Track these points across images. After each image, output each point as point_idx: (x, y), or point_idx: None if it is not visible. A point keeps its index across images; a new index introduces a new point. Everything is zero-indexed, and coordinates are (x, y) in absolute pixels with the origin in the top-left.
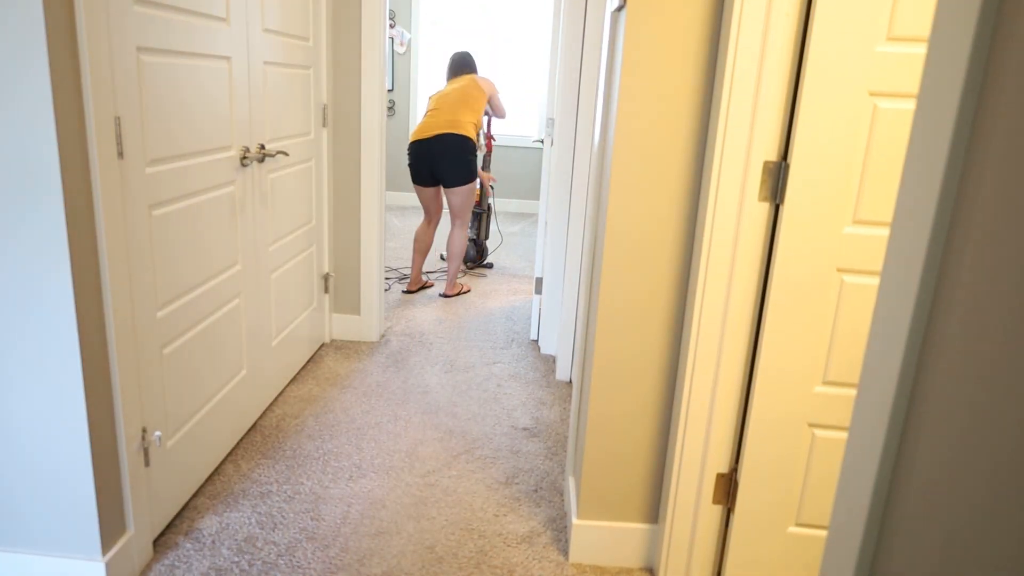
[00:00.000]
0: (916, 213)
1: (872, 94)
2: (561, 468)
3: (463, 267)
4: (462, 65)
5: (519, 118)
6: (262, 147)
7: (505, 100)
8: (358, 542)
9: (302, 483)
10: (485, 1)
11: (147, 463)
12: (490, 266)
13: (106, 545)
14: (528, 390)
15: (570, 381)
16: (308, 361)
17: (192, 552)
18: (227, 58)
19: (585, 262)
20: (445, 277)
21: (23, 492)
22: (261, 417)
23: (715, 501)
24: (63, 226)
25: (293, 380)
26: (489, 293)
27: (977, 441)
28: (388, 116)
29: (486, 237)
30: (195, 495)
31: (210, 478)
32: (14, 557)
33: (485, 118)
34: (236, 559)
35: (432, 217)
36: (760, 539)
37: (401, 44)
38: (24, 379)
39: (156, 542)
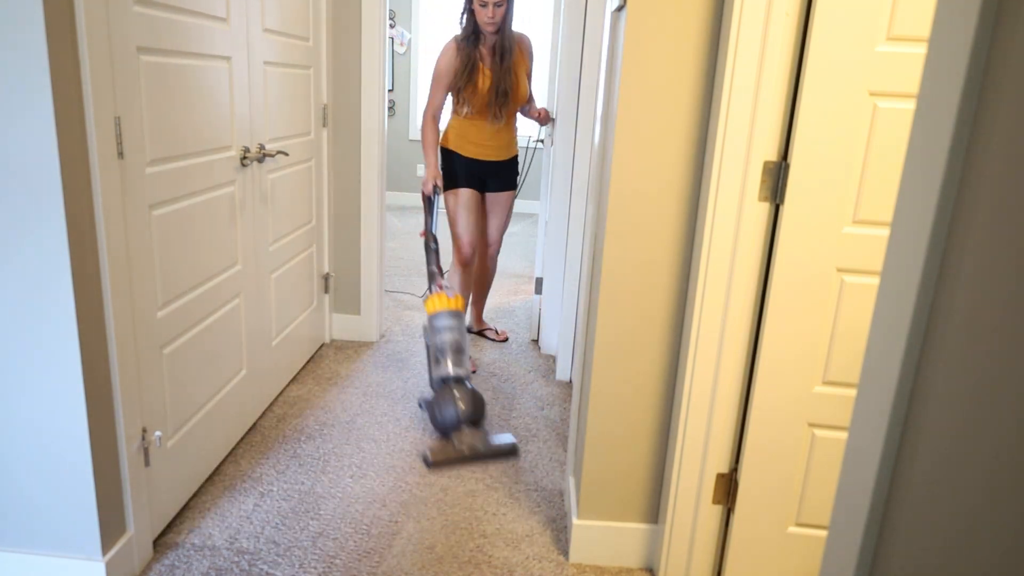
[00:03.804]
0: (916, 213)
1: (872, 94)
2: (561, 468)
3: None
4: None
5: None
6: (262, 147)
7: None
8: (358, 542)
9: (302, 483)
10: None
11: (147, 463)
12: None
13: (106, 545)
14: (528, 390)
15: (570, 381)
16: (308, 361)
17: (192, 552)
18: (227, 58)
19: (585, 262)
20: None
21: (23, 492)
22: (261, 417)
23: (715, 501)
24: (63, 226)
25: (293, 380)
26: (489, 293)
27: (977, 441)
28: (388, 116)
29: None
30: (195, 495)
31: (210, 478)
32: (14, 557)
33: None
34: (236, 559)
35: None
36: (760, 539)
37: (401, 44)
38: (24, 379)
39: (156, 542)
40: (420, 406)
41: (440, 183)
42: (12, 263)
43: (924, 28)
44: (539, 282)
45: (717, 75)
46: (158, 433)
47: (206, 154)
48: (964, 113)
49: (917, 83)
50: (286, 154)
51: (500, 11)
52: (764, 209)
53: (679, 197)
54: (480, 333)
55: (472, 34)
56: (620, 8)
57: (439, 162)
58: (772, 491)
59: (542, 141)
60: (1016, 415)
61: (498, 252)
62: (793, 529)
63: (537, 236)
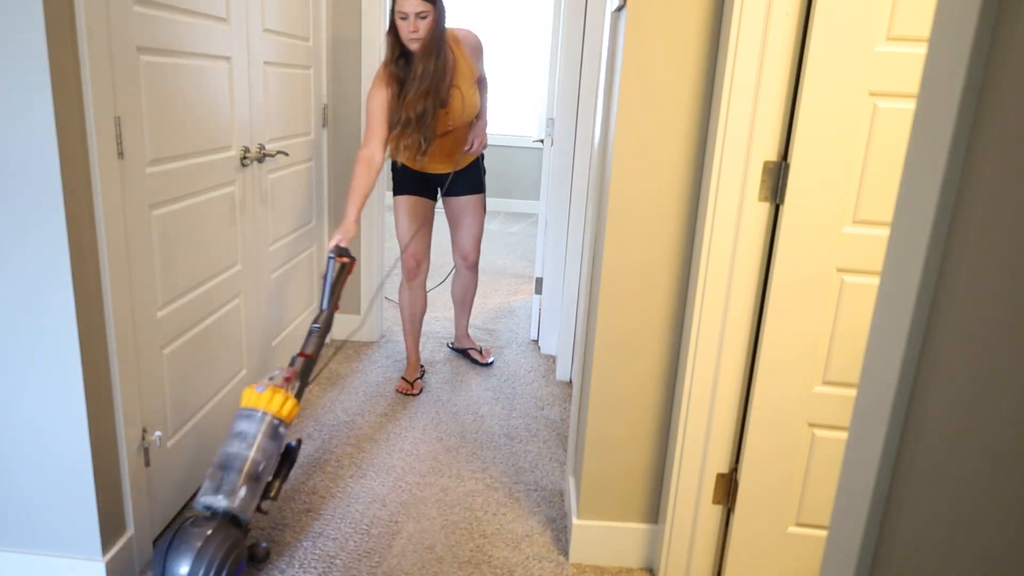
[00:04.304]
0: (916, 213)
1: (872, 94)
2: (561, 468)
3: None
4: None
5: (519, 118)
6: (262, 147)
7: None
8: (358, 542)
9: (302, 483)
10: (485, 1)
11: (147, 463)
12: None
13: (106, 545)
14: (528, 390)
15: (570, 381)
16: None
17: None
18: (227, 58)
19: (585, 262)
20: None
21: (23, 492)
22: None
23: (715, 501)
24: (63, 226)
25: None
26: (489, 293)
27: (977, 441)
28: None
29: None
30: (195, 495)
31: None
32: (14, 557)
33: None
34: None
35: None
36: (760, 539)
37: None
38: (24, 379)
39: (156, 542)
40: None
41: (344, 243)
42: (12, 263)
43: (924, 28)
44: (539, 282)
45: (717, 75)
46: (158, 433)
47: (206, 154)
48: (964, 113)
49: (917, 83)
50: (286, 154)
51: (425, 23)
52: (764, 209)
53: (679, 197)
54: (464, 352)
55: (400, 56)
56: (620, 8)
57: (359, 212)
58: (772, 491)
59: (542, 141)
60: (1016, 415)
61: (477, 262)
62: (793, 529)
63: (537, 236)
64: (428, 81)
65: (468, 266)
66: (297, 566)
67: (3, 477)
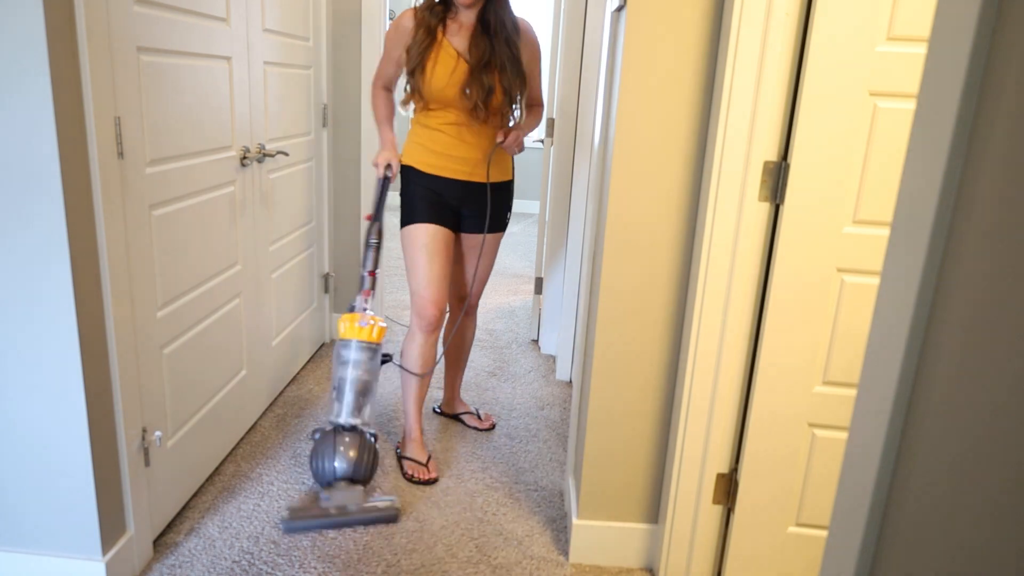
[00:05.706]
0: (916, 213)
1: (872, 94)
2: (561, 468)
3: None
4: None
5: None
6: (262, 147)
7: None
8: (358, 542)
9: (303, 483)
10: None
11: (147, 463)
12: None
13: (106, 545)
14: (528, 390)
15: (570, 381)
16: (308, 361)
17: (192, 552)
18: (227, 58)
19: (585, 262)
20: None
21: (23, 492)
22: (261, 417)
23: (715, 501)
24: (63, 226)
25: (293, 380)
26: (489, 293)
27: (977, 441)
28: None
29: None
30: (195, 495)
31: (210, 478)
32: (14, 557)
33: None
34: (236, 559)
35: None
36: (760, 539)
37: None
38: (24, 379)
39: (156, 542)
40: (312, 437)
41: (395, 163)
42: (12, 263)
43: (924, 28)
44: (539, 282)
45: (717, 75)
46: (158, 433)
47: (206, 154)
48: (964, 113)
49: (917, 83)
50: (286, 154)
51: None
52: (764, 209)
53: (679, 197)
54: (456, 418)
55: (437, 2)
56: (620, 8)
57: (394, 137)
58: (772, 491)
59: (542, 141)
60: (1017, 414)
61: (477, 305)
62: (793, 529)
63: (537, 236)
64: (487, 50)
65: (468, 311)
66: (297, 566)
67: (3, 477)
